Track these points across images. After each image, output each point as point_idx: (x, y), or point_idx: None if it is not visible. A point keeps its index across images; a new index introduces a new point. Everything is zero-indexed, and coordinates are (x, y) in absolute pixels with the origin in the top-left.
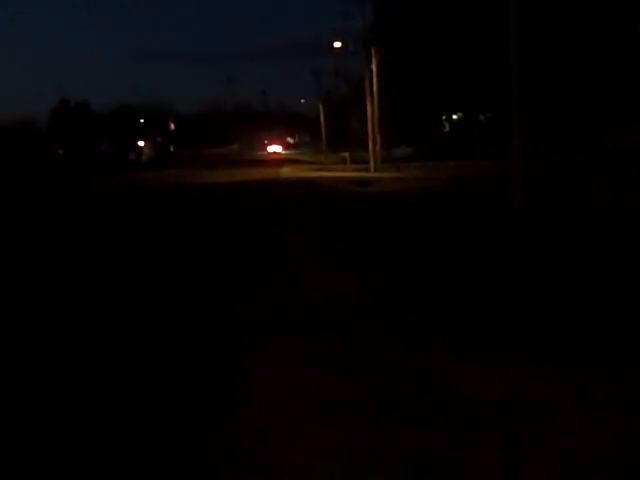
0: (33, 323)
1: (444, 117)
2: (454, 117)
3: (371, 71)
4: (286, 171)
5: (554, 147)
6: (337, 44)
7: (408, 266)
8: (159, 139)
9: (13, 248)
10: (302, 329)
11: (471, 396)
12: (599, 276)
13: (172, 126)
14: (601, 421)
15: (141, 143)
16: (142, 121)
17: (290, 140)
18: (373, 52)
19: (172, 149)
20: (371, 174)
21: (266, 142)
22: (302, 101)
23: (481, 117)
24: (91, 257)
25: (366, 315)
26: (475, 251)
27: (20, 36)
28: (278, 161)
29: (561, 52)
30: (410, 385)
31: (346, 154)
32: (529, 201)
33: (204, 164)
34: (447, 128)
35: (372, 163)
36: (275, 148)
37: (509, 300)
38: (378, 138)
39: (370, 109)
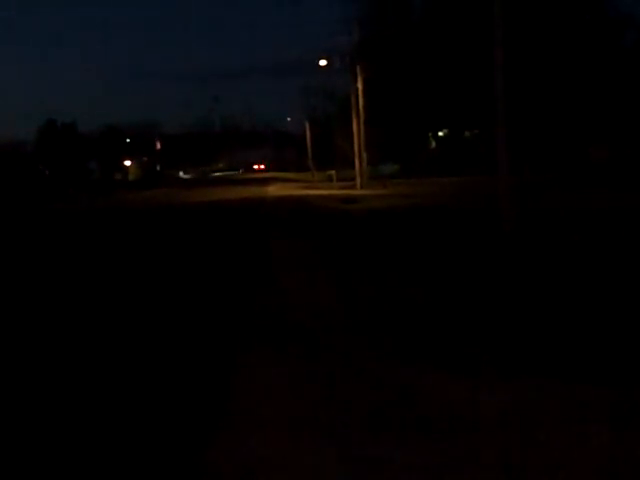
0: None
1: (430, 134)
2: (440, 134)
3: (357, 89)
4: (273, 190)
5: (541, 161)
6: (323, 62)
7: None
8: (145, 159)
9: None
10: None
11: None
12: (588, 296)
13: (158, 145)
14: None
15: (128, 163)
16: (128, 141)
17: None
18: (359, 70)
19: (159, 168)
20: (358, 191)
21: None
22: (288, 119)
23: (467, 133)
24: (77, 275)
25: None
26: (460, 270)
27: (4, 56)
28: (264, 180)
29: (546, 67)
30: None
31: (332, 172)
32: (518, 218)
33: (192, 184)
34: (433, 144)
35: (359, 180)
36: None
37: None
38: (364, 155)
39: (356, 126)
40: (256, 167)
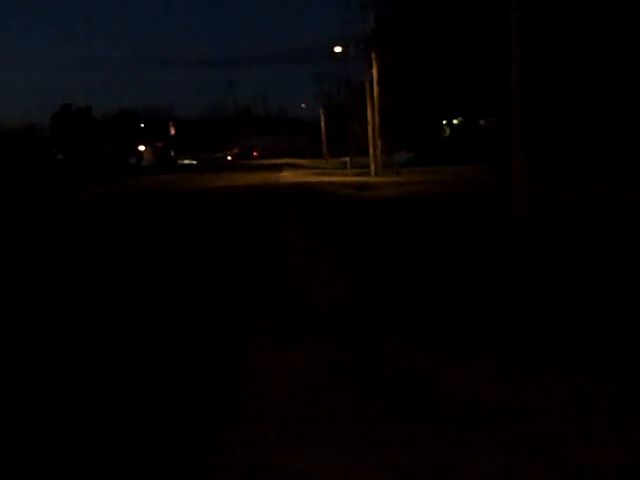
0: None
1: (445, 122)
2: (454, 122)
3: (371, 76)
4: (285, 175)
5: (557, 150)
6: (338, 49)
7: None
8: (160, 144)
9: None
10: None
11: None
12: (597, 288)
13: (173, 131)
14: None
15: (142, 148)
16: (143, 126)
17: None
18: (374, 57)
19: (173, 154)
20: (372, 179)
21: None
22: (303, 106)
23: (482, 121)
24: (90, 260)
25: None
26: (469, 261)
27: (21, 41)
28: (277, 166)
29: (563, 55)
30: None
31: (346, 159)
32: (531, 206)
33: (206, 169)
34: (448, 132)
35: (372, 168)
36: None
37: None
38: (379, 143)
39: (370, 114)
40: (255, 154)
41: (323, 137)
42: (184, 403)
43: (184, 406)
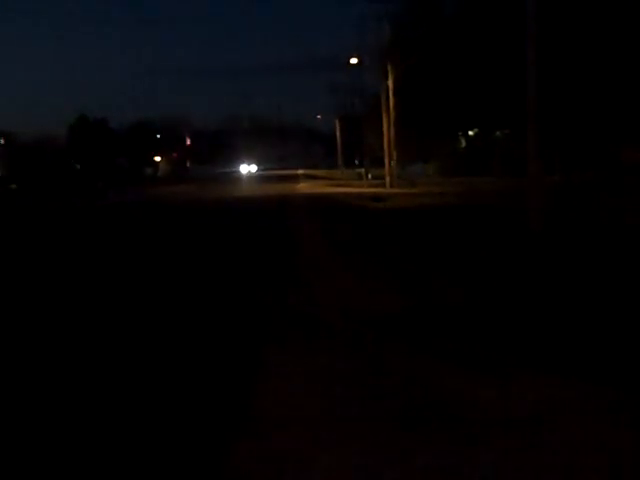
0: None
1: (460, 133)
2: (470, 133)
3: (387, 87)
4: (303, 187)
5: (572, 163)
6: (353, 60)
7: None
8: (175, 154)
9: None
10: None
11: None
12: (614, 306)
13: (188, 141)
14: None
15: (158, 158)
16: (158, 136)
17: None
18: (389, 68)
19: (188, 164)
20: (387, 190)
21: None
22: (318, 117)
23: (497, 133)
24: (102, 270)
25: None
26: (483, 274)
27: (39, 53)
28: (294, 177)
29: (578, 67)
30: None
31: (362, 170)
32: (548, 220)
33: (221, 179)
34: (463, 144)
35: (388, 179)
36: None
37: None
38: (394, 154)
39: (386, 125)
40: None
41: (338, 148)
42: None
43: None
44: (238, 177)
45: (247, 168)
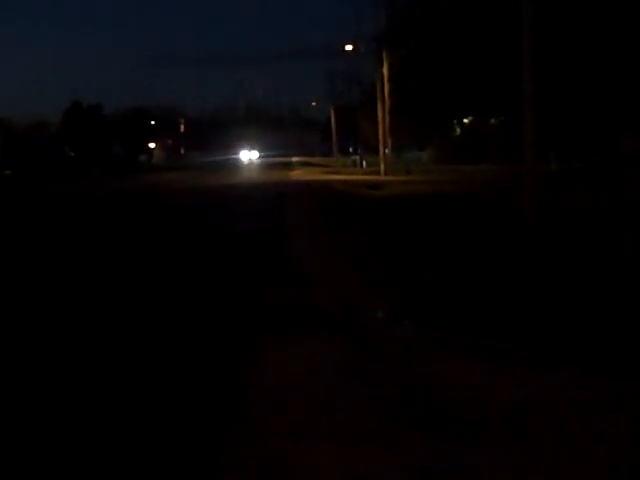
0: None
1: (455, 121)
2: (465, 120)
3: (382, 74)
4: (297, 174)
5: (568, 151)
6: (349, 47)
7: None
8: (170, 141)
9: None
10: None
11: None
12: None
13: (183, 128)
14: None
15: (152, 145)
16: (153, 123)
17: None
18: (384, 55)
19: (183, 151)
20: (382, 177)
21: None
22: (313, 104)
23: (492, 120)
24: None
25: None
26: (473, 263)
27: (33, 38)
28: (287, 164)
29: (574, 54)
30: None
31: (357, 157)
32: (542, 209)
33: (216, 167)
34: (458, 132)
35: (383, 166)
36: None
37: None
38: (389, 141)
39: (381, 112)
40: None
41: (333, 135)
42: None
43: None
44: (235, 165)
45: (248, 155)
